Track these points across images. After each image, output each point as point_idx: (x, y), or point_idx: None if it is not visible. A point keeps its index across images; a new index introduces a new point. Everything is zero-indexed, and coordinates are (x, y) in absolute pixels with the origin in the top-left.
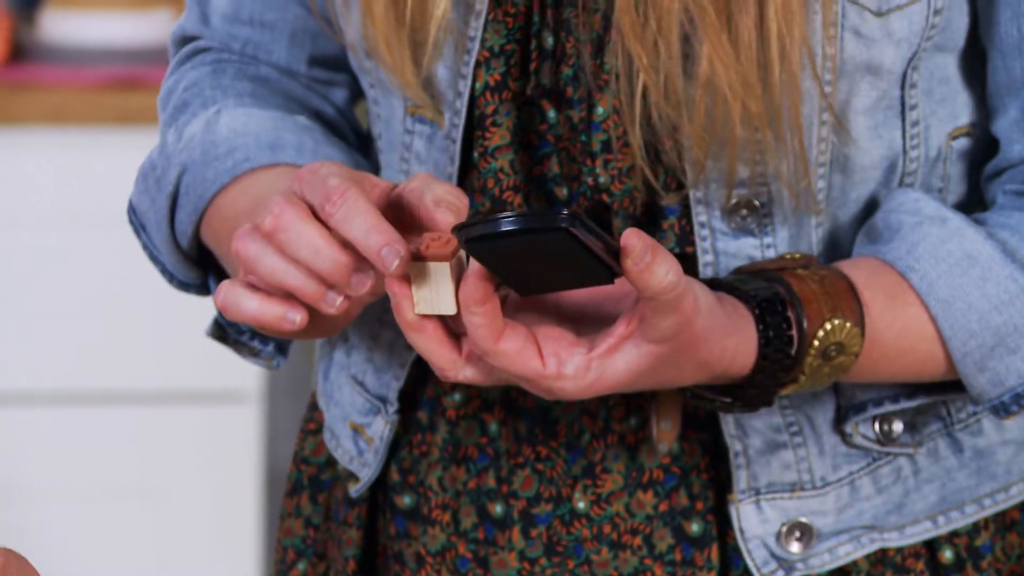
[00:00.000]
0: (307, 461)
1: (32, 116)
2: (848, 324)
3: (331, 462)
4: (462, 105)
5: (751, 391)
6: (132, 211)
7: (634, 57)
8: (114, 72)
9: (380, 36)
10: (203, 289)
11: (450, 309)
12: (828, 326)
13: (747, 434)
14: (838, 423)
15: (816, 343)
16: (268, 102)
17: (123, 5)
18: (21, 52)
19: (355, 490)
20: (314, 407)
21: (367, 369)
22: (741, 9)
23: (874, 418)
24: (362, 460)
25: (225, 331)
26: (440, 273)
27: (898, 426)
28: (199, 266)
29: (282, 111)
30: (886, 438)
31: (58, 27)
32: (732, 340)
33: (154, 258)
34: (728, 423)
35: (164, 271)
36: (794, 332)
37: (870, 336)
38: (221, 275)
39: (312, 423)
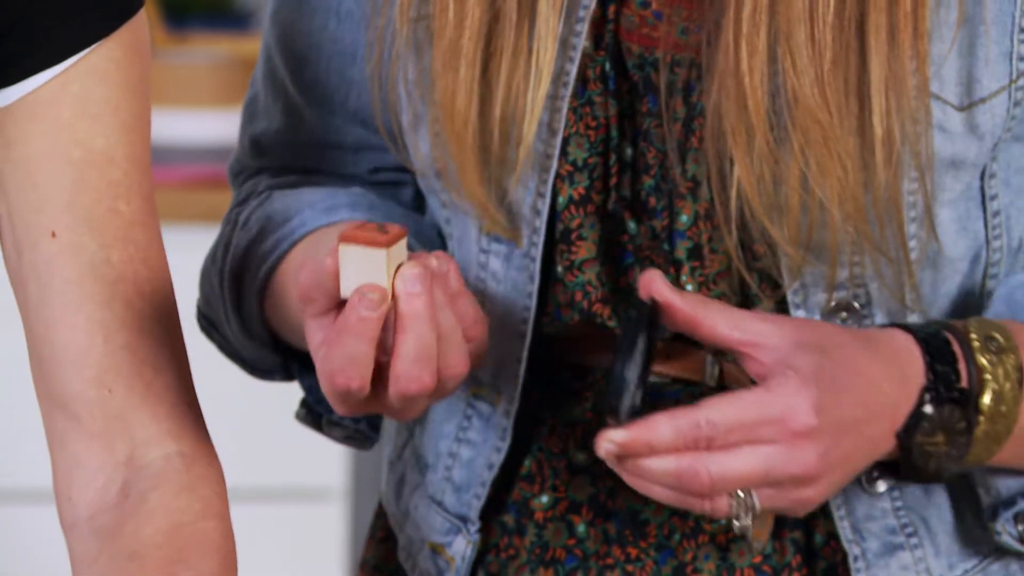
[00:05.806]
0: (379, 569)
1: None
2: (1011, 364)
3: (401, 570)
4: (541, 223)
5: (938, 443)
6: (201, 315)
7: (727, 158)
8: (200, 170)
9: (458, 163)
10: (286, 374)
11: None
12: (990, 368)
13: (864, 538)
14: (988, 520)
15: (988, 377)
16: (322, 185)
17: (209, 103)
18: None
19: None
20: (382, 515)
21: (445, 488)
22: (842, 108)
23: (1016, 516)
24: None
25: (314, 412)
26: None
27: None
28: (276, 350)
29: (336, 187)
30: None
31: None
32: (894, 366)
33: (231, 353)
34: (845, 528)
35: (244, 364)
36: (961, 366)
37: None
38: (301, 357)
39: (381, 531)
